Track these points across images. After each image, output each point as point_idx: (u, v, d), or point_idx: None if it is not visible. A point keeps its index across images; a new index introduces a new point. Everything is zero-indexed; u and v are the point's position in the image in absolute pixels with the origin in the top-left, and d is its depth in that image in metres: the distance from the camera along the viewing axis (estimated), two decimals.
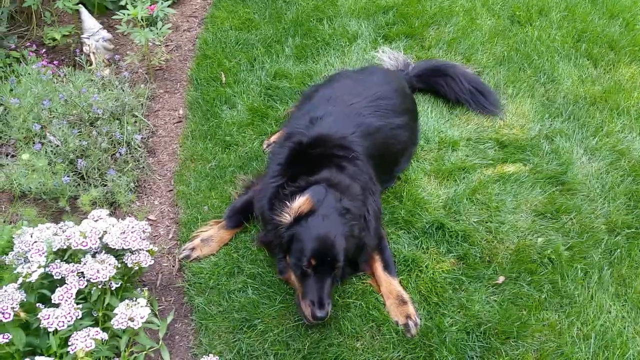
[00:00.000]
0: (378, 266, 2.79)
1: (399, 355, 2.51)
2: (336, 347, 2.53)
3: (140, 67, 4.31)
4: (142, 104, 3.86)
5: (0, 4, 4.12)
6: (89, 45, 4.10)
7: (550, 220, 3.15)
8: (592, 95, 4.03)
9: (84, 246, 2.35)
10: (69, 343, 2.02)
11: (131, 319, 2.15)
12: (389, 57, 4.16)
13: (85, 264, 2.30)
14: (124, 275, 2.46)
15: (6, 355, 2.06)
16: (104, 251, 2.43)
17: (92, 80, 3.83)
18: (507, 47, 4.49)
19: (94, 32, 4.12)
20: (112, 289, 2.36)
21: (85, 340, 2.02)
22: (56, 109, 3.45)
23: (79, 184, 3.21)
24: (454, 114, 3.85)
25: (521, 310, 2.69)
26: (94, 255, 2.38)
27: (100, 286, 2.30)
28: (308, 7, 4.89)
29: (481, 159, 3.50)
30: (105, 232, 2.46)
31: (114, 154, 3.39)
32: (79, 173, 3.24)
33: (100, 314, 2.30)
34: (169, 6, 4.08)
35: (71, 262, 2.35)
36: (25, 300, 2.16)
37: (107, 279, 2.27)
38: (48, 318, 2.07)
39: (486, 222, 3.10)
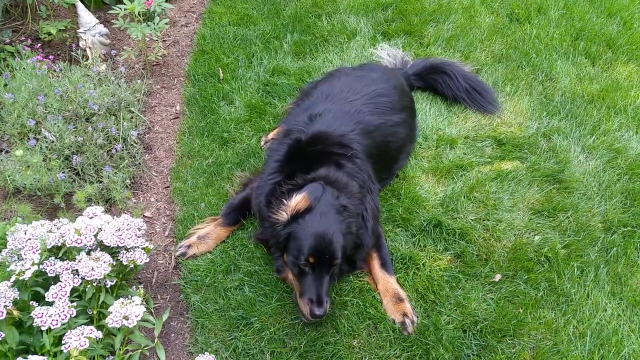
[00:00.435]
0: (375, 264, 2.78)
1: (396, 353, 2.51)
2: (333, 345, 2.52)
3: (137, 62, 4.28)
4: (138, 100, 3.83)
5: None
6: (85, 40, 4.07)
7: (547, 218, 3.15)
8: (590, 94, 4.03)
9: (78, 243, 2.33)
10: (63, 341, 2.01)
11: (126, 318, 2.13)
12: (388, 54, 4.15)
13: (79, 261, 2.28)
14: (119, 273, 2.45)
15: None
16: (99, 249, 2.41)
17: (88, 75, 3.80)
18: (505, 45, 4.48)
19: (90, 27, 4.08)
20: (107, 286, 2.35)
21: (79, 338, 2.00)
22: (51, 105, 3.42)
23: (74, 181, 3.19)
24: (452, 112, 3.85)
25: (518, 309, 2.69)
26: (88, 253, 2.36)
27: (95, 284, 2.29)
28: (307, 3, 4.87)
29: (479, 156, 3.49)
30: (100, 229, 2.44)
31: (109, 150, 3.36)
32: (74, 169, 3.22)
33: (95, 312, 2.28)
34: (166, 1, 4.04)
35: (66, 260, 2.34)
36: (18, 298, 2.14)
37: (102, 276, 2.25)
38: (41, 316, 2.05)
39: (483, 220, 3.10)
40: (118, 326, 2.13)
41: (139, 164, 3.45)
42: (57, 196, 3.02)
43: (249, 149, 3.52)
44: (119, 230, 2.47)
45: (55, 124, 3.27)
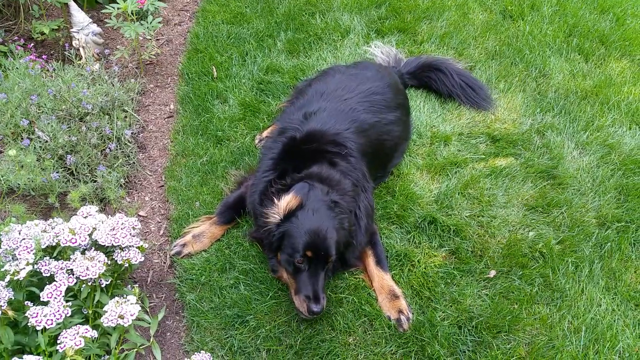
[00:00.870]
0: (370, 261, 2.79)
1: (392, 350, 2.52)
2: (328, 342, 2.53)
3: (131, 61, 4.27)
4: (132, 99, 3.82)
5: None
6: (78, 39, 4.05)
7: (542, 214, 3.16)
8: (583, 90, 4.05)
9: (73, 243, 2.32)
10: (58, 341, 2.00)
11: (121, 317, 2.13)
12: (382, 52, 4.15)
13: (74, 261, 2.27)
14: (114, 272, 2.44)
15: None
16: (93, 248, 2.40)
17: (81, 74, 3.78)
18: (499, 41, 4.49)
19: (83, 26, 4.07)
20: (102, 286, 2.34)
21: (74, 338, 2.00)
22: (45, 104, 3.41)
23: (68, 180, 3.18)
24: (446, 109, 3.85)
25: (512, 304, 2.71)
26: (83, 252, 2.35)
27: (90, 283, 2.28)
28: (300, 1, 4.86)
29: (473, 153, 3.50)
30: (94, 228, 2.43)
31: (103, 150, 3.35)
32: (69, 169, 3.21)
33: (90, 312, 2.27)
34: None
35: (60, 259, 2.33)
36: (13, 298, 2.13)
37: (97, 276, 2.24)
38: (37, 316, 2.04)
39: (478, 217, 3.11)
40: (113, 325, 2.12)
41: (133, 163, 3.44)
42: (51, 196, 3.00)
43: (243, 147, 3.52)
44: (114, 229, 2.46)
45: (48, 123, 3.26)
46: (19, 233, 2.36)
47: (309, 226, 2.49)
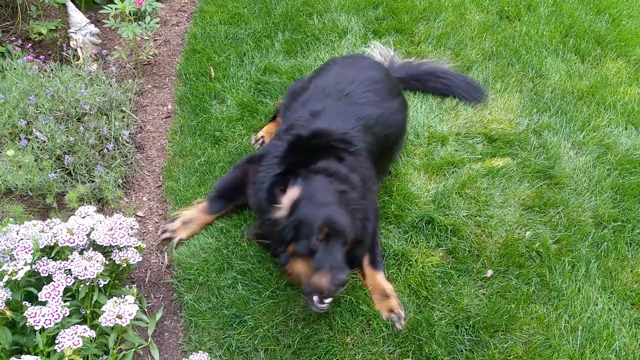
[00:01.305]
0: (365, 259, 2.78)
1: (389, 350, 2.52)
2: (326, 342, 2.53)
3: (128, 62, 4.27)
4: (130, 99, 3.82)
5: None
6: (76, 39, 4.05)
7: (538, 214, 3.17)
8: (580, 90, 4.07)
9: (71, 243, 2.33)
10: (56, 341, 2.01)
11: (119, 317, 2.14)
12: (380, 52, 4.16)
13: (72, 261, 2.28)
14: (112, 272, 2.45)
15: None
16: (91, 248, 2.41)
17: (79, 75, 3.78)
18: (495, 42, 4.50)
19: (81, 27, 4.06)
20: (100, 286, 2.35)
21: (72, 338, 2.00)
22: (42, 105, 3.41)
23: (66, 181, 3.18)
24: (443, 109, 3.86)
25: (510, 304, 2.72)
26: (81, 252, 2.36)
27: (88, 283, 2.29)
28: (298, 1, 4.87)
29: (470, 153, 3.52)
30: (92, 228, 2.43)
31: (101, 150, 3.35)
32: (66, 169, 3.21)
33: (88, 312, 2.28)
34: (157, 0, 4.03)
35: (58, 260, 2.33)
36: (11, 298, 2.13)
37: (95, 276, 2.25)
38: (35, 316, 2.05)
39: (475, 216, 3.12)
40: (111, 325, 2.13)
41: (131, 163, 3.44)
42: (49, 196, 3.00)
43: (241, 147, 3.52)
44: (112, 229, 2.46)
45: (46, 124, 3.26)
46: (17, 233, 2.37)
47: (321, 212, 2.46)
